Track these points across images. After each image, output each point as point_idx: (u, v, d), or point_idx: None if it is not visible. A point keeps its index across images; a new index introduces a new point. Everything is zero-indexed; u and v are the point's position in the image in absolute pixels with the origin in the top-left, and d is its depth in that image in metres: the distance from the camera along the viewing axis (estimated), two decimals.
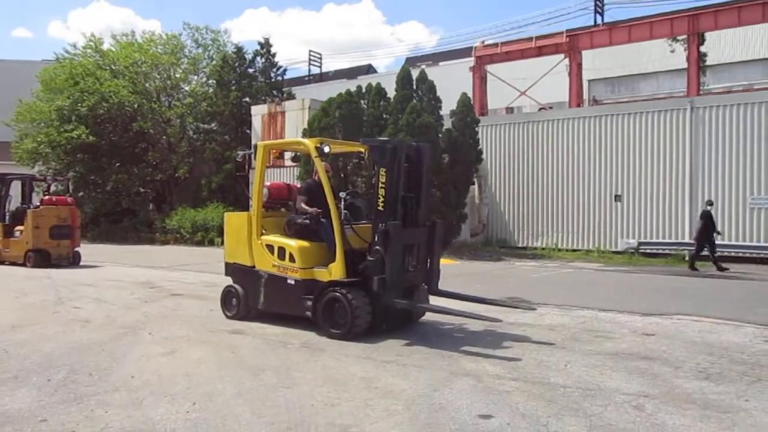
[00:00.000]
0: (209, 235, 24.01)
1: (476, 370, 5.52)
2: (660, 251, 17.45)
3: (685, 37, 22.19)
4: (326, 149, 7.23)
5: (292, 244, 7.37)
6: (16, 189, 16.92)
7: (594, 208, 18.83)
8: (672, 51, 25.30)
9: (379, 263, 6.65)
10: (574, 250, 18.72)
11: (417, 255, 7.20)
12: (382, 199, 6.79)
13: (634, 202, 18.14)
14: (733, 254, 16.22)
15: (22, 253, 15.38)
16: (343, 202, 7.13)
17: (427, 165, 7.32)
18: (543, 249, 19.19)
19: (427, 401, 4.63)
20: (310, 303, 7.07)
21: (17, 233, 15.66)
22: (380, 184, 6.80)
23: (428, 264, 7.36)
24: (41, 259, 15.16)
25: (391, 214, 6.76)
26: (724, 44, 27.99)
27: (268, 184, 8.34)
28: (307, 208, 7.46)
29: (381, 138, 7.22)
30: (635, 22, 23.51)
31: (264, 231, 7.80)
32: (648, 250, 17.58)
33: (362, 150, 8.15)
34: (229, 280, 8.21)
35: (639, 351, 6.28)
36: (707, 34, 23.33)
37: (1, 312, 8.69)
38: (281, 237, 7.61)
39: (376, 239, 6.75)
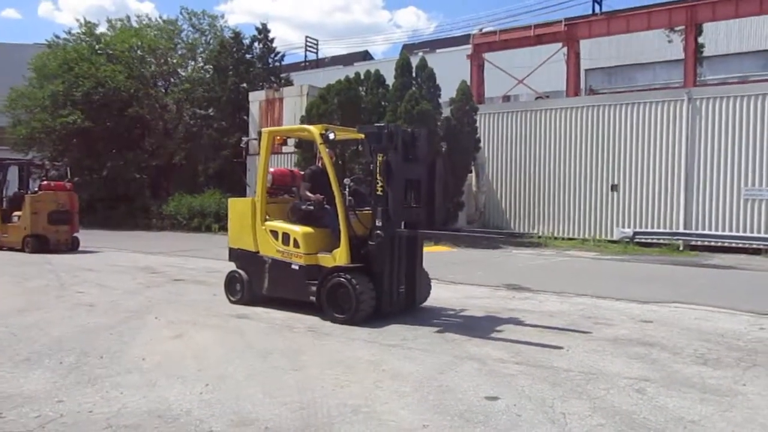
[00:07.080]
0: (206, 221, 23.98)
1: (480, 354, 5.63)
2: (655, 240, 17.62)
3: (682, 27, 22.23)
4: (331, 136, 7.27)
5: (297, 229, 7.44)
6: (13, 174, 16.85)
7: (590, 197, 18.94)
8: (669, 41, 25.33)
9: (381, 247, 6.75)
10: (570, 239, 18.87)
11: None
12: (381, 184, 6.90)
13: (630, 191, 18.26)
14: (726, 245, 16.44)
15: (20, 238, 15.34)
16: (347, 189, 7.20)
17: (423, 150, 7.43)
18: (539, 237, 19.31)
19: (435, 383, 4.74)
20: (314, 288, 7.16)
21: (15, 218, 15.63)
22: (378, 170, 6.90)
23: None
24: (40, 244, 15.14)
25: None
26: (720, 36, 28.06)
27: (271, 170, 8.41)
28: (310, 195, 7.53)
29: (377, 124, 7.28)
30: (634, 11, 23.51)
31: (267, 217, 7.88)
32: (643, 240, 17.75)
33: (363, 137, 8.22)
34: (231, 266, 8.28)
35: (638, 337, 6.41)
36: (704, 25, 23.37)
37: (5, 297, 8.74)
38: (285, 223, 7.69)
39: (376, 224, 6.87)
